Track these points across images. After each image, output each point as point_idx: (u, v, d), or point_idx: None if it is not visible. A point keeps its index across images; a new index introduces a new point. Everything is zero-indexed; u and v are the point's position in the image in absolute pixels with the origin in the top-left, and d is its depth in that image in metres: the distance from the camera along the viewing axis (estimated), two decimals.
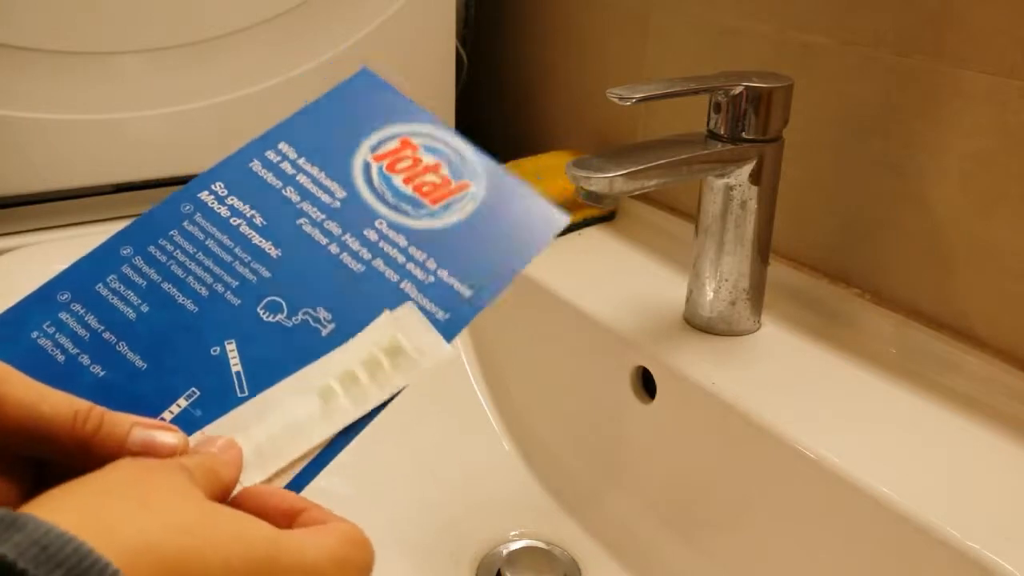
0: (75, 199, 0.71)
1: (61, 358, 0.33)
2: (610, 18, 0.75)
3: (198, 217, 0.37)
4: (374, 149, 0.40)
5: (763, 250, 0.55)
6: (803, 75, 0.56)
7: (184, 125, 0.70)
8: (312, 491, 0.66)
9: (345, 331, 0.35)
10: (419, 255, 0.37)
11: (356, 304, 0.36)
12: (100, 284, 0.35)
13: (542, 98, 0.86)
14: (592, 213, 0.72)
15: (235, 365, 0.34)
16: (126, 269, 0.36)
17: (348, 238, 0.37)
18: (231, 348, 0.34)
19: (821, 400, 0.51)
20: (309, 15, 0.73)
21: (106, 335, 0.34)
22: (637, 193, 0.51)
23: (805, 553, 0.48)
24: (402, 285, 0.36)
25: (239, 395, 0.33)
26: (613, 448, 0.60)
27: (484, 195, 0.39)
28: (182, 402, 0.33)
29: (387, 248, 0.37)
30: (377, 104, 0.41)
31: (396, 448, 0.64)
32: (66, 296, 0.35)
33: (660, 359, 0.55)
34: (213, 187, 0.38)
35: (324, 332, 0.35)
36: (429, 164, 0.39)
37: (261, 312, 0.35)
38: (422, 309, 0.36)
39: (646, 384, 0.57)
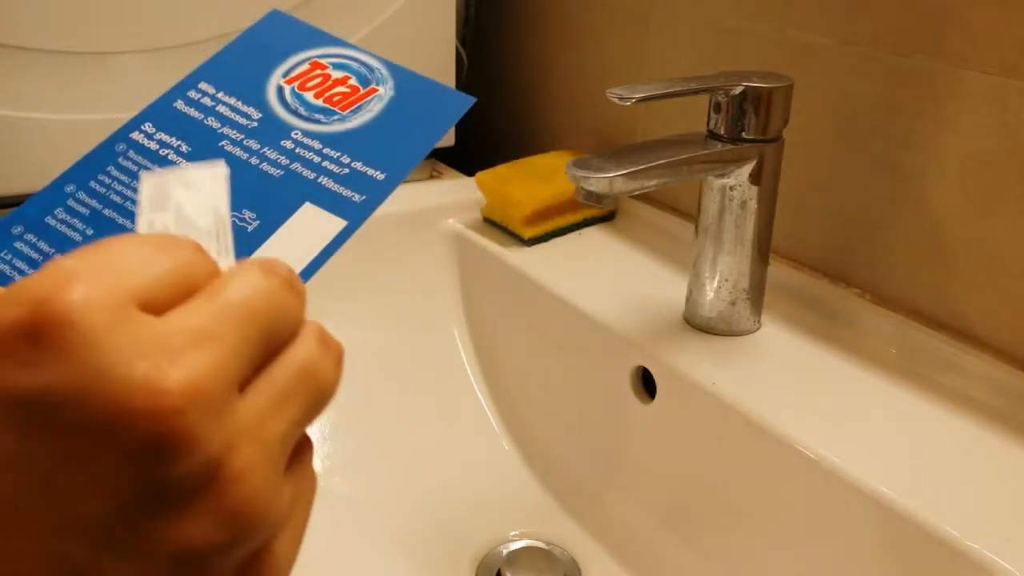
0: None
1: (17, 279, 0.37)
2: (610, 18, 0.75)
3: (131, 153, 0.41)
4: (286, 74, 0.44)
5: (763, 250, 0.55)
6: (803, 75, 0.56)
7: None
8: None
9: (269, 225, 0.39)
10: (333, 154, 0.41)
11: (277, 202, 0.40)
12: (49, 216, 0.40)
13: (542, 98, 0.86)
14: (592, 213, 0.72)
15: None
16: (70, 202, 0.40)
17: (266, 150, 0.41)
18: None
19: (821, 400, 0.51)
20: (309, 15, 0.72)
21: (57, 257, 0.38)
22: (637, 193, 0.51)
23: (805, 553, 0.48)
24: (319, 180, 0.40)
25: None
26: (613, 448, 0.60)
27: (392, 95, 0.43)
28: None
29: (303, 152, 0.41)
30: (287, 37, 0.46)
31: (396, 448, 0.64)
32: (20, 229, 0.39)
33: (660, 359, 0.55)
34: (143, 127, 0.43)
35: (250, 228, 0.39)
36: (338, 78, 0.44)
37: None
38: (339, 196, 0.40)
39: (646, 384, 0.57)
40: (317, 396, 0.24)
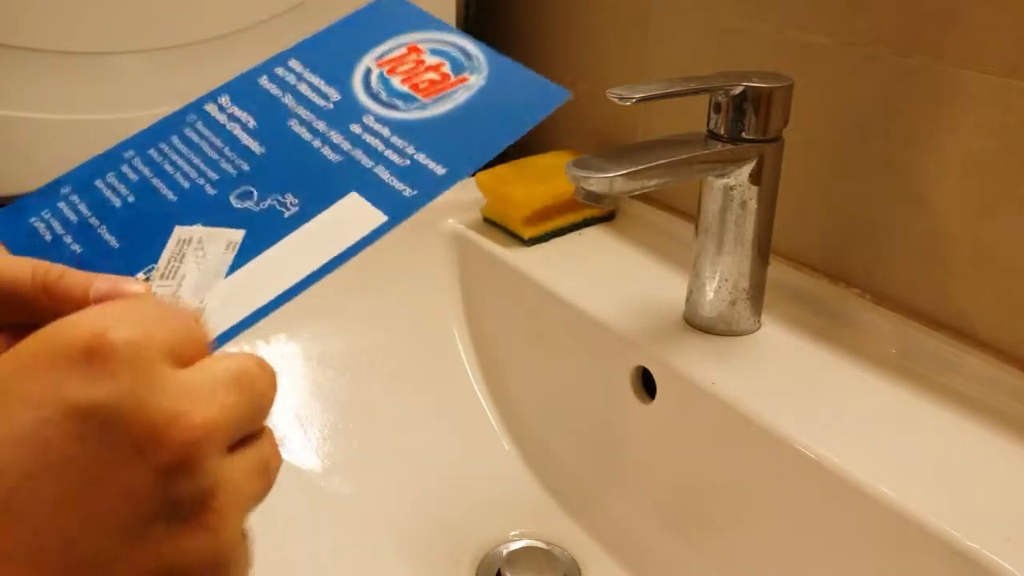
0: None
1: (48, 237, 0.37)
2: (610, 18, 0.75)
3: (199, 125, 0.41)
4: (380, 57, 0.42)
5: (763, 250, 0.55)
6: (803, 75, 0.56)
7: None
8: (313, 491, 0.67)
9: (307, 212, 0.37)
10: (399, 143, 0.39)
11: (323, 188, 0.38)
12: (99, 180, 0.39)
13: None
14: (592, 213, 0.72)
15: None
16: (124, 168, 0.40)
17: (332, 133, 0.40)
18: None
19: (821, 400, 0.51)
20: (309, 15, 0.72)
21: (91, 219, 0.38)
22: (637, 193, 0.51)
23: (805, 553, 0.48)
24: (375, 169, 0.38)
25: None
26: (613, 448, 0.60)
27: (482, 84, 0.40)
28: (141, 276, 0.36)
29: (369, 139, 0.39)
30: (393, 19, 0.43)
31: (396, 448, 0.64)
32: (67, 189, 0.39)
33: (660, 359, 0.55)
34: (219, 100, 0.42)
35: (287, 214, 0.37)
36: (432, 64, 0.41)
37: (232, 199, 0.38)
38: (390, 189, 0.38)
39: (646, 384, 0.57)
40: (266, 490, 0.28)
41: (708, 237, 0.55)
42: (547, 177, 0.71)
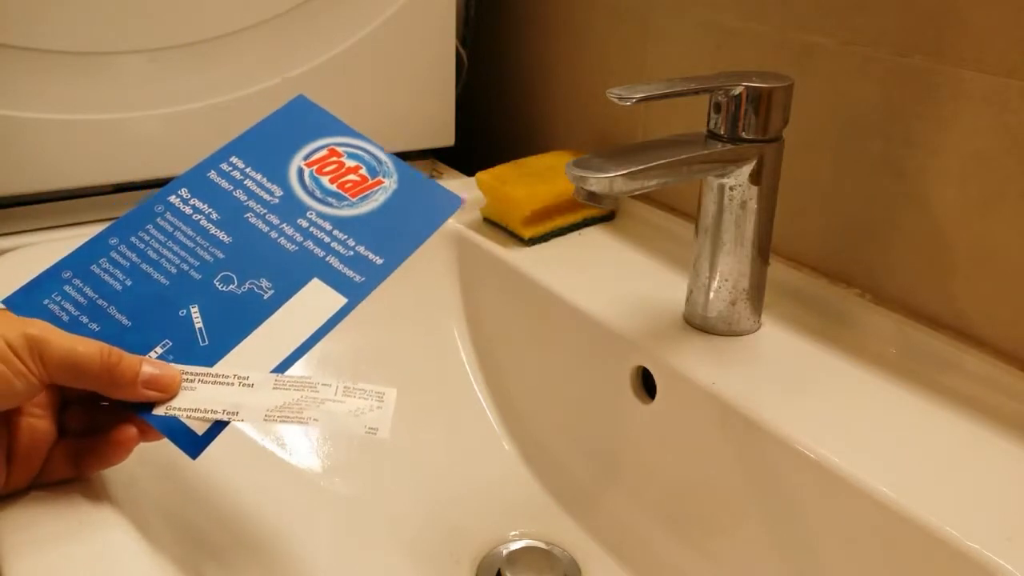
0: (75, 199, 0.71)
1: (66, 318, 0.43)
2: (610, 18, 0.75)
3: (168, 215, 0.48)
4: (307, 157, 0.51)
5: (763, 250, 0.55)
6: (803, 75, 0.56)
7: (184, 125, 0.70)
8: (313, 491, 0.67)
9: (282, 295, 0.45)
10: (341, 236, 0.48)
11: (291, 274, 0.46)
12: (94, 265, 0.45)
13: (542, 98, 0.86)
14: (592, 213, 0.72)
15: (197, 323, 0.44)
16: (113, 254, 0.46)
17: (285, 226, 0.48)
18: (195, 310, 0.44)
19: (821, 400, 0.51)
20: (309, 15, 0.73)
21: (99, 301, 0.44)
22: (637, 193, 0.51)
23: (805, 553, 0.48)
24: (327, 259, 0.47)
25: (201, 344, 0.43)
26: (613, 448, 0.60)
27: (395, 188, 0.50)
28: (158, 350, 0.43)
29: (316, 232, 0.48)
30: (310, 123, 0.53)
31: (396, 448, 0.64)
32: (68, 274, 0.45)
33: (660, 359, 0.55)
34: (180, 192, 0.49)
35: (265, 296, 0.45)
36: (351, 167, 0.51)
37: (217, 284, 0.45)
38: (343, 275, 0.46)
39: (646, 384, 0.57)
40: None
41: (708, 237, 0.55)
42: (547, 177, 0.71)
